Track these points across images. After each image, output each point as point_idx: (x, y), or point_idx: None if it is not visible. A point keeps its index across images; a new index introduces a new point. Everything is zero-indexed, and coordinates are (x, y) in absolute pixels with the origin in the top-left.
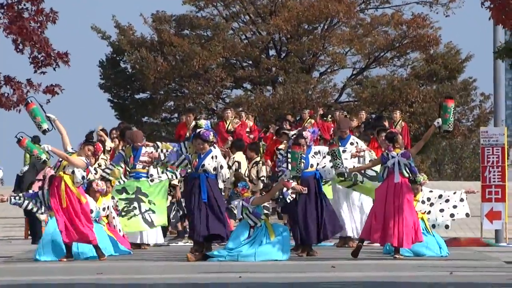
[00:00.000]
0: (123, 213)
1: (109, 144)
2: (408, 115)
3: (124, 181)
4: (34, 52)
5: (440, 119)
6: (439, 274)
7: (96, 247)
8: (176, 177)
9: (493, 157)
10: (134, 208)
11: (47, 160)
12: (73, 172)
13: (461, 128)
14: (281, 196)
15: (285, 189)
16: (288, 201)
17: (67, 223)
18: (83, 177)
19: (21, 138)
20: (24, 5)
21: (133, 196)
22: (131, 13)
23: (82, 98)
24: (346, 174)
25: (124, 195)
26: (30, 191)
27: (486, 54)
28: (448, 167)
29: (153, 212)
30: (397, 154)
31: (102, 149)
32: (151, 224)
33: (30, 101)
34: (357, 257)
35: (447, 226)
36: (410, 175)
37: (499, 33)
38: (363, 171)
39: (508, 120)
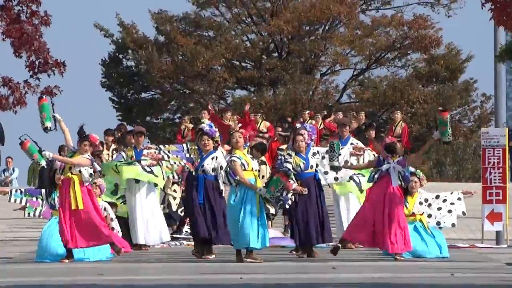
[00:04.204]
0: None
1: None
2: (410, 116)
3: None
4: (32, 57)
5: (437, 132)
6: (440, 276)
7: (111, 244)
8: (174, 177)
9: (494, 158)
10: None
11: (45, 166)
12: (80, 171)
13: (462, 129)
14: (281, 198)
15: (285, 193)
16: (287, 206)
17: (76, 228)
18: (90, 175)
19: (24, 140)
20: (21, 7)
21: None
22: (134, 11)
23: (84, 98)
24: (339, 168)
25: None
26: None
27: (487, 54)
28: (450, 168)
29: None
30: (394, 161)
31: (98, 139)
32: (151, 174)
33: (43, 97)
34: (336, 255)
35: (453, 225)
36: (403, 183)
37: (500, 34)
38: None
39: (509, 121)
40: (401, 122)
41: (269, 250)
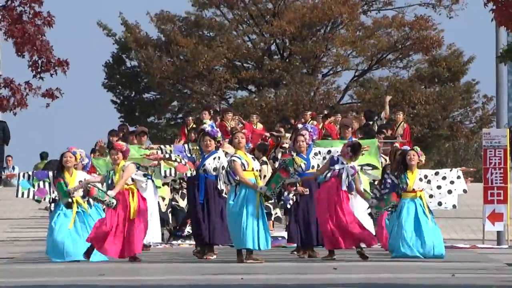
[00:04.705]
0: None
1: None
2: (411, 117)
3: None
4: (34, 57)
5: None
6: (441, 276)
7: (133, 257)
8: (175, 181)
9: (495, 159)
10: None
11: (117, 201)
12: (132, 179)
13: (464, 130)
14: (283, 199)
15: (286, 193)
16: (289, 206)
17: (129, 237)
18: (145, 175)
19: (89, 189)
20: (23, 7)
21: None
22: (138, 11)
23: (87, 99)
24: (297, 183)
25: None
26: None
27: (489, 56)
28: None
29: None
30: (348, 164)
31: (124, 146)
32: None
33: (59, 178)
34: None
35: (454, 206)
36: (348, 188)
37: (502, 35)
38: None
39: (511, 122)
40: (402, 123)
41: (270, 250)
